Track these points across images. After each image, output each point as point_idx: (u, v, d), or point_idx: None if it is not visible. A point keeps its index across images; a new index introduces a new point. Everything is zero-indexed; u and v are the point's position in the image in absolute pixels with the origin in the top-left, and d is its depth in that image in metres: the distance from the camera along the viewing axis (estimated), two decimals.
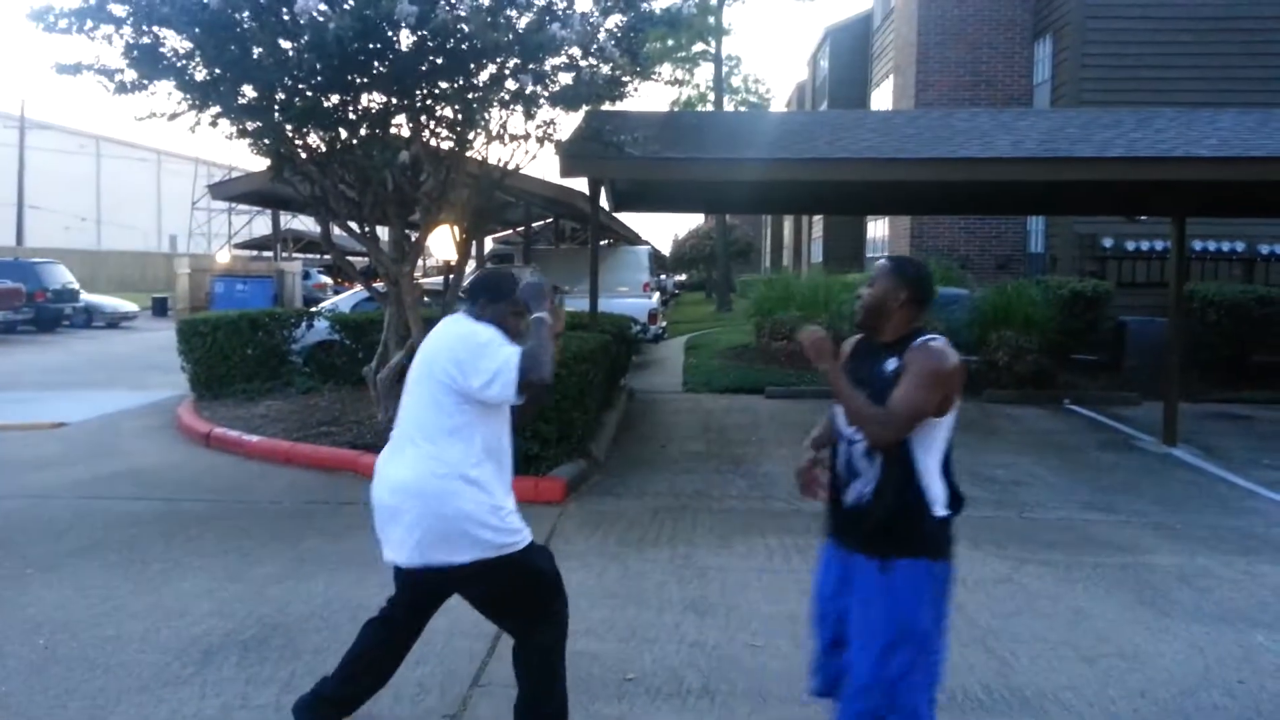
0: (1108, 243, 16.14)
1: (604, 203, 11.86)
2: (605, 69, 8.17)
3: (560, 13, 7.61)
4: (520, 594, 3.30)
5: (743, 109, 37.09)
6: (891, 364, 2.91)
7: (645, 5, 8.24)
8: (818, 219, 29.61)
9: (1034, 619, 5.02)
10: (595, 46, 7.99)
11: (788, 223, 37.99)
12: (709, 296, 38.52)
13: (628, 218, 32.64)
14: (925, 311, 2.99)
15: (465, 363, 3.14)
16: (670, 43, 30.78)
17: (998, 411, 11.74)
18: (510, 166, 8.78)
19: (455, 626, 4.45)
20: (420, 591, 3.38)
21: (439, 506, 3.15)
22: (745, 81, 39.25)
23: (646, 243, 24.20)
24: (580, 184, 10.24)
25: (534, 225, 19.79)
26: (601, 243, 19.67)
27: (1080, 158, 8.58)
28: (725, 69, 33.71)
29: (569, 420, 7.61)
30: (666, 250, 46.41)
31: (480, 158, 8.65)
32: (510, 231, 22.65)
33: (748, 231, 43.41)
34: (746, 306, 17.41)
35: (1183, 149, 8.80)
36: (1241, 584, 5.64)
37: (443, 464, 3.16)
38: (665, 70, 32.61)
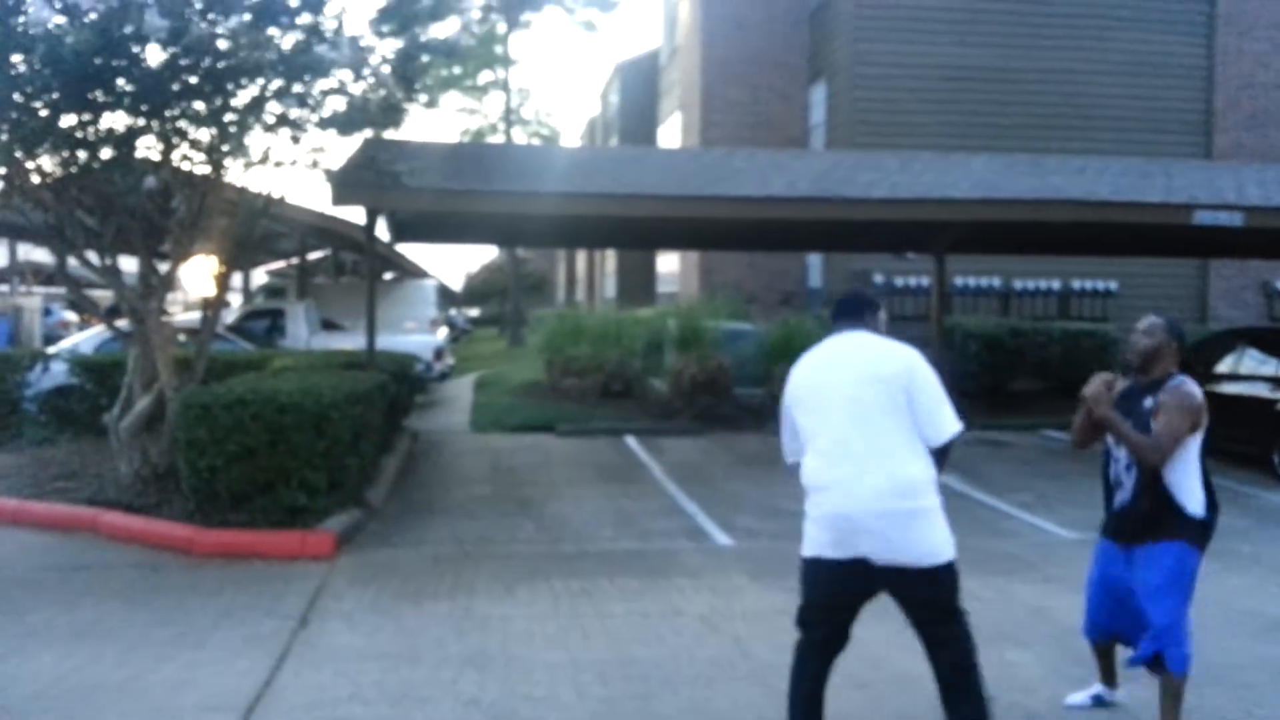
0: (879, 278, 17.11)
1: (384, 234, 11.41)
2: (379, 95, 7.82)
3: (328, 34, 7.22)
4: None
5: (535, 141, 37.14)
6: (1149, 402, 4.02)
7: (419, 31, 7.97)
8: (611, 253, 29.95)
9: None
10: (368, 71, 7.64)
11: (581, 256, 38.25)
12: (502, 332, 38.18)
13: (416, 250, 31.89)
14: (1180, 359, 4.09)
15: None
16: (457, 70, 30.46)
17: (775, 445, 12.07)
18: (275, 195, 8.24)
19: None
20: None
21: None
22: (537, 114, 39.39)
23: (434, 277, 23.66)
24: (357, 214, 9.80)
25: (309, 257, 18.87)
26: (386, 276, 18.92)
27: (847, 198, 8.99)
28: (515, 100, 33.69)
29: (341, 467, 7.14)
30: (460, 284, 45.73)
31: (239, 184, 8.07)
32: (284, 264, 21.54)
33: (542, 265, 43.42)
34: (537, 342, 17.26)
35: (940, 191, 9.40)
36: (998, 604, 5.92)
37: None
38: (453, 99, 32.25)
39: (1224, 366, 11.31)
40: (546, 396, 14.70)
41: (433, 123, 66.79)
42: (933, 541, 3.57)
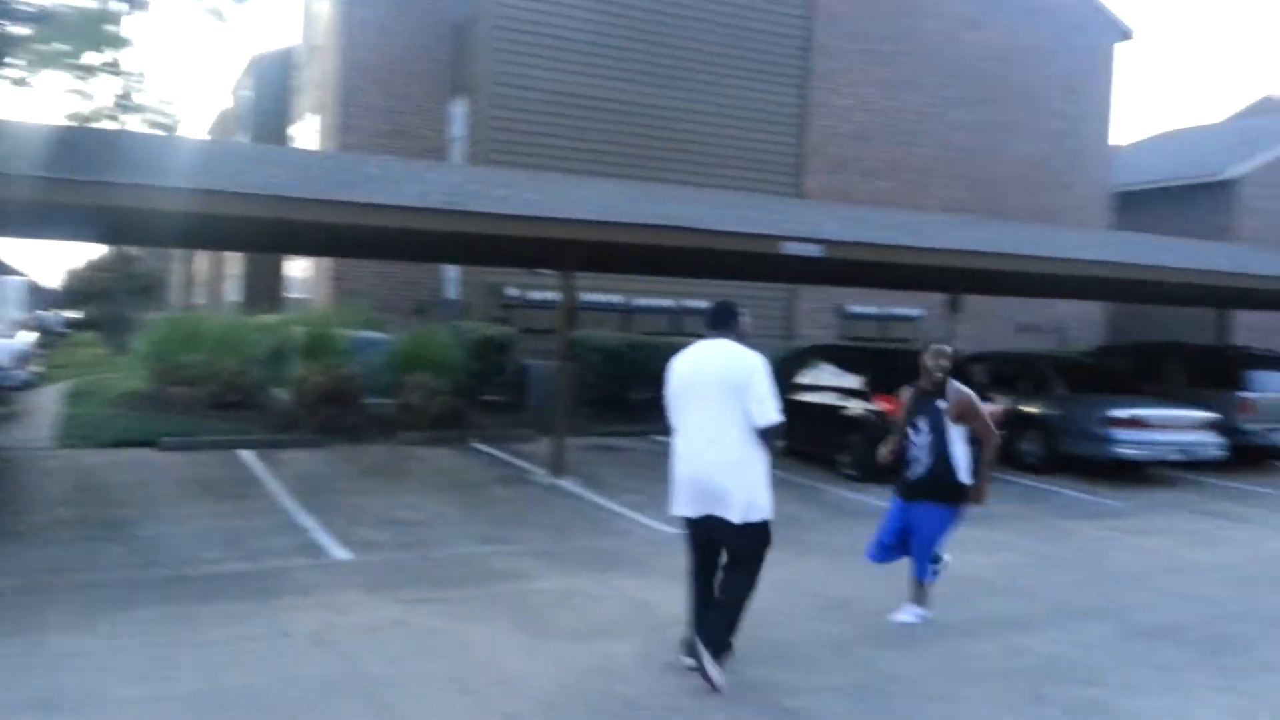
0: (513, 292, 17.52)
1: None
2: None
3: None
4: None
5: (154, 131, 33.71)
6: (941, 402, 5.83)
7: None
8: (237, 255, 27.94)
9: (423, 659, 5.08)
10: None
11: (204, 257, 35.30)
12: (105, 336, 34.24)
13: (8, 245, 27.73)
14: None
15: None
16: (60, 47, 26.95)
17: (410, 454, 11.97)
18: None
19: None
20: None
21: None
22: (158, 102, 35.79)
23: (23, 274, 20.76)
24: None
25: None
26: None
27: (478, 212, 9.13)
28: (131, 85, 30.43)
29: None
30: (59, 282, 40.38)
31: None
32: None
33: (156, 265, 39.50)
34: (145, 348, 15.67)
35: (567, 211, 9.83)
36: (607, 600, 6.31)
37: None
38: (58, 79, 28.44)
39: (803, 378, 12.87)
40: (151, 408, 13.38)
41: (33, 104, 58.57)
42: (754, 504, 4.77)
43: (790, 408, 14.02)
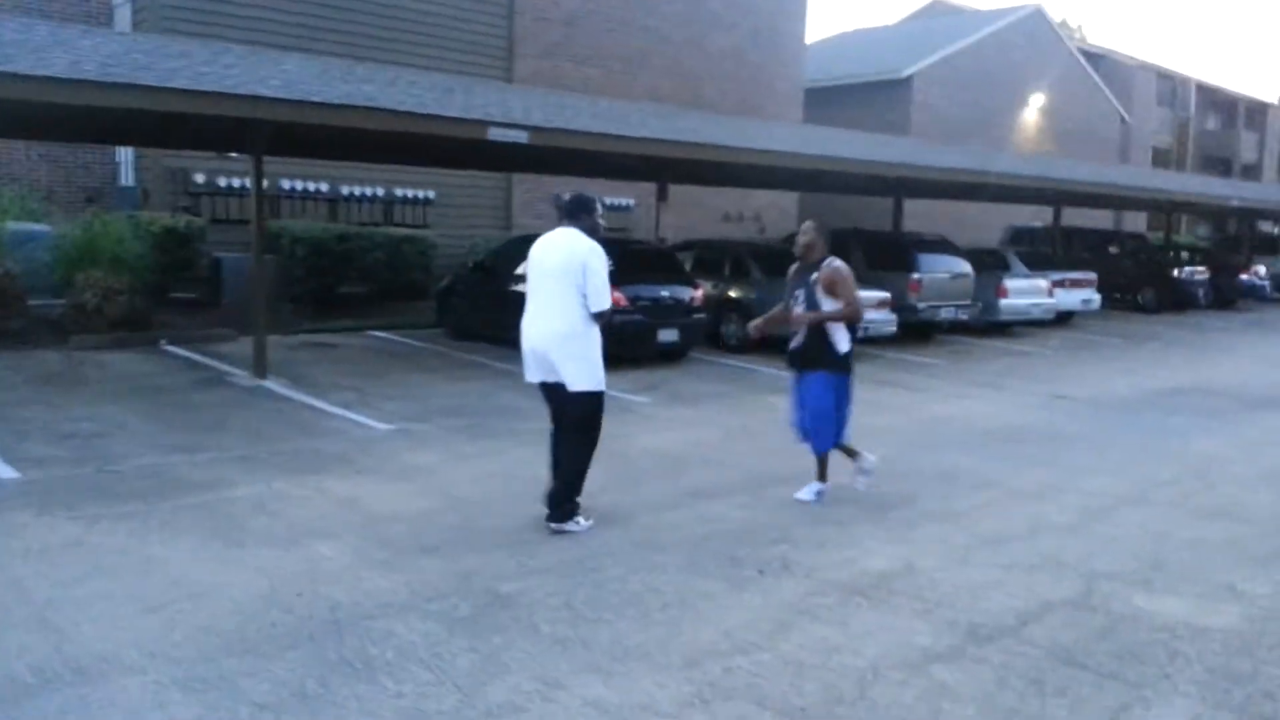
0: (200, 178, 15.94)
1: None
2: None
3: None
4: None
5: None
6: (813, 276, 6.19)
7: None
8: None
9: (102, 579, 4.66)
10: None
11: None
12: None
13: None
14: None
15: None
16: None
17: (88, 359, 10.78)
18: None
19: None
20: None
21: None
22: None
23: None
24: None
25: None
26: None
27: (140, 85, 8.13)
28: None
29: None
30: None
31: None
32: None
33: None
34: None
35: (249, 87, 8.98)
36: (312, 501, 6.06)
37: None
38: None
39: (521, 268, 12.79)
40: None
41: None
42: (582, 374, 5.46)
43: (512, 299, 13.94)
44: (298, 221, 15.74)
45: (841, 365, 6.28)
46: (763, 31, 23.49)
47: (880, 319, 13.61)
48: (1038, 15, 33.52)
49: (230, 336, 12.47)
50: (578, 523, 5.57)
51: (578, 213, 5.55)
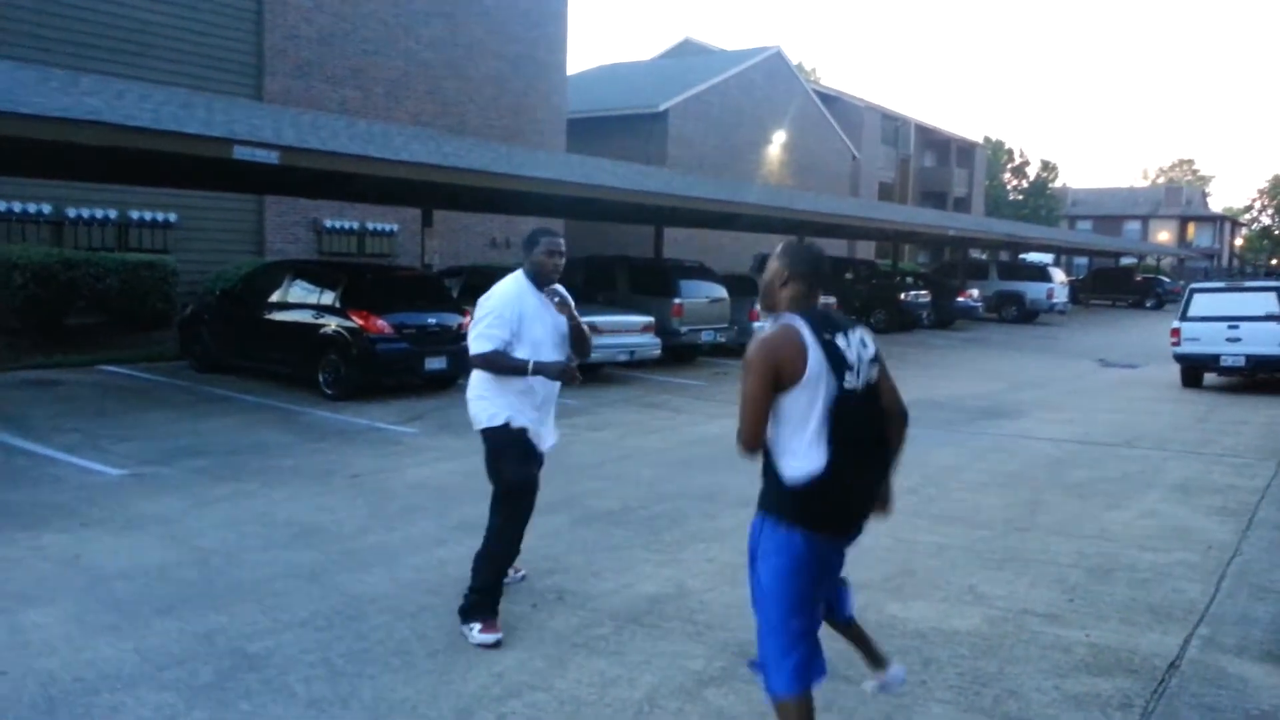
0: None
1: None
2: None
3: None
4: None
5: None
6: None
7: None
8: None
9: None
10: None
11: None
12: None
13: None
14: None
15: None
16: None
17: None
18: None
19: None
20: None
21: None
22: None
23: None
24: None
25: None
26: None
27: None
28: None
29: None
30: None
31: None
32: None
33: None
34: None
35: None
36: (25, 562, 5.34)
37: None
38: None
39: (276, 296, 12.09)
40: None
41: None
42: (475, 417, 4.76)
43: (266, 328, 13.09)
44: (18, 247, 14.11)
45: (789, 502, 3.31)
46: (525, 60, 23.54)
47: (646, 342, 13.87)
48: (778, 57, 35.66)
49: None
50: (472, 629, 4.46)
51: (525, 249, 4.85)
